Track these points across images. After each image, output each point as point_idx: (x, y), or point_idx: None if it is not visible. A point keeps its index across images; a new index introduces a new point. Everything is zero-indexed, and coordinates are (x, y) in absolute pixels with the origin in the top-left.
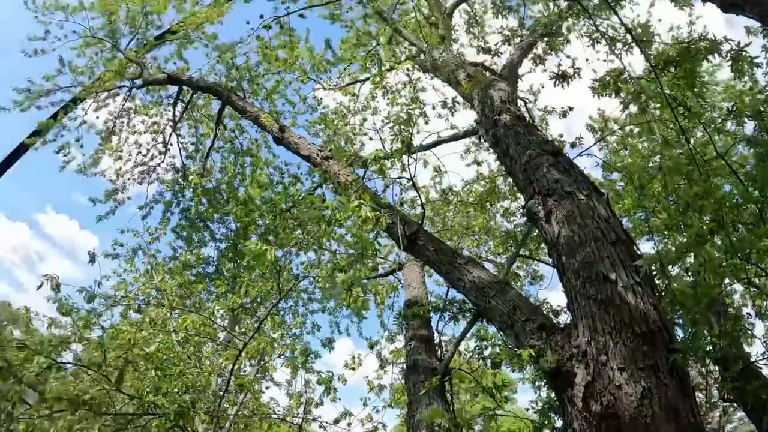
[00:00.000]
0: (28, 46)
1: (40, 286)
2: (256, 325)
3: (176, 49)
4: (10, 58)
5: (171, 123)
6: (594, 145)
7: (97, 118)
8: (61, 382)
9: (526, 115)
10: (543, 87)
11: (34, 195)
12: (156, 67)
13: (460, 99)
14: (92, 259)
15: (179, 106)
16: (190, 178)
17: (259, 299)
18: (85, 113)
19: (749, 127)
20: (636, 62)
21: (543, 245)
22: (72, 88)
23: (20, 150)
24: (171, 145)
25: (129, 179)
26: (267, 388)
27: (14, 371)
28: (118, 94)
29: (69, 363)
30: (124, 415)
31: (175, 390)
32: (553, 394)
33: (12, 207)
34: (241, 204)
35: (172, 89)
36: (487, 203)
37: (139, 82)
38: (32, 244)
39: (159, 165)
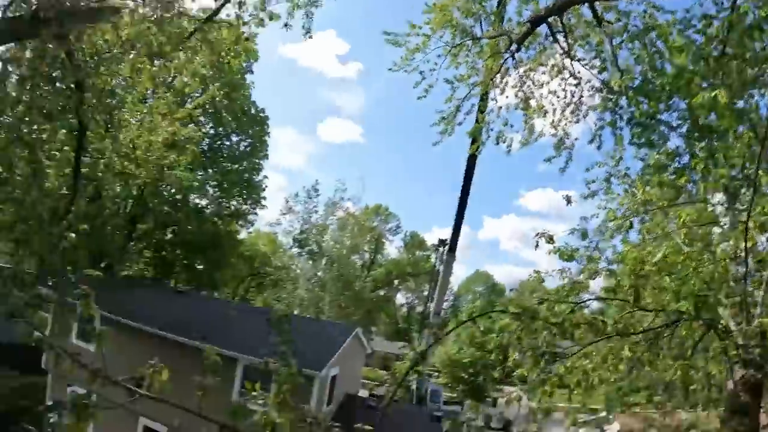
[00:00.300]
0: (419, 91)
1: (536, 246)
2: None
3: None
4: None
5: (564, 55)
6: None
7: (506, 97)
8: (582, 315)
9: None
10: None
11: (504, 186)
12: (517, 23)
13: None
14: (568, 201)
15: (559, 37)
16: (615, 86)
17: (746, 164)
18: (496, 101)
19: None
20: None
21: None
22: (471, 92)
23: (471, 161)
24: (579, 72)
25: (566, 124)
26: None
27: (542, 318)
28: (507, 68)
29: (589, 299)
30: (652, 329)
31: (695, 289)
32: None
33: (494, 205)
34: (675, 77)
35: (542, 29)
36: None
37: (513, 47)
38: (522, 226)
39: (582, 96)
